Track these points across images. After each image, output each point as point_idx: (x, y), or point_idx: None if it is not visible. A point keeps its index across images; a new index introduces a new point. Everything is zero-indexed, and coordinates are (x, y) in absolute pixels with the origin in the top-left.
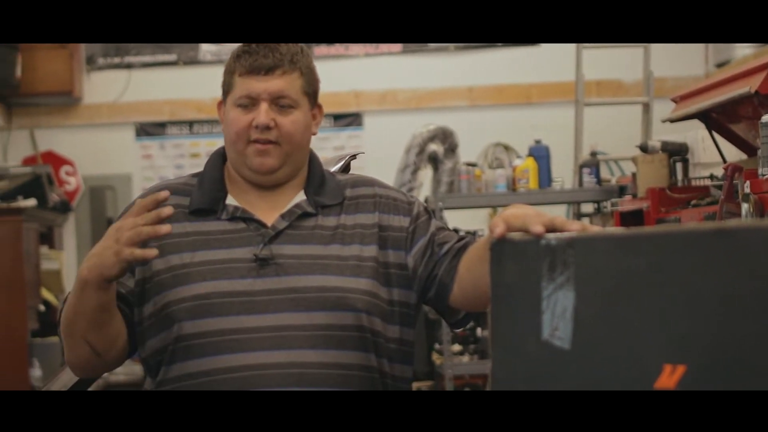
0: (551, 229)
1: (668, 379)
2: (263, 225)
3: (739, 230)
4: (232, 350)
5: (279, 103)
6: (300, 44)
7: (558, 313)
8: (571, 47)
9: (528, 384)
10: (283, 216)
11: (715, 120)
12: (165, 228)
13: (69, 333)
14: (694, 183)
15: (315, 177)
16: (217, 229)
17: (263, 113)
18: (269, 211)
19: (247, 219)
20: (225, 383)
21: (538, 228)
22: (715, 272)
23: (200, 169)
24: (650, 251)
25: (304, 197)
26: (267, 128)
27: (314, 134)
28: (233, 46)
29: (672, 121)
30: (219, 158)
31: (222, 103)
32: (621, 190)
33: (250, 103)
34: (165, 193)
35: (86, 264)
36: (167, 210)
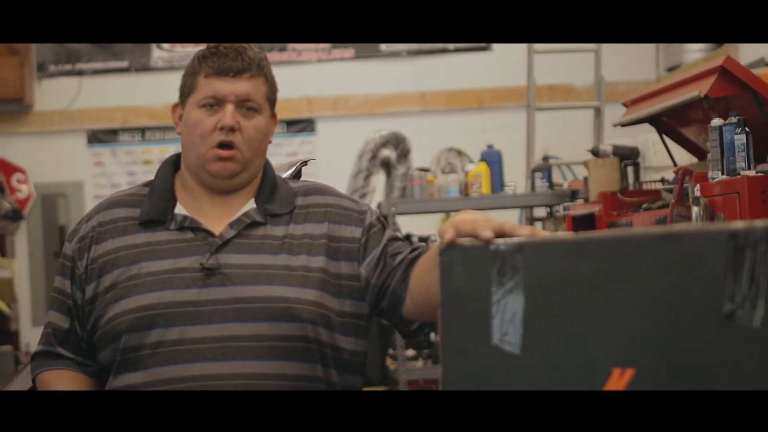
0: (501, 234)
1: (617, 382)
2: (211, 234)
3: (686, 235)
4: (176, 361)
5: (244, 105)
6: (262, 51)
7: (507, 318)
8: (522, 52)
9: (478, 388)
10: (231, 225)
11: (666, 124)
12: None
13: None
14: (645, 187)
15: (267, 184)
16: (165, 239)
17: (229, 114)
18: (219, 218)
19: (195, 228)
20: None
21: (487, 233)
22: (664, 276)
23: (152, 176)
24: (599, 256)
25: (254, 205)
26: (231, 130)
27: (270, 143)
28: (185, 53)
29: (623, 125)
30: (169, 166)
31: (178, 106)
32: (573, 195)
33: (216, 103)
34: None
35: None
36: None
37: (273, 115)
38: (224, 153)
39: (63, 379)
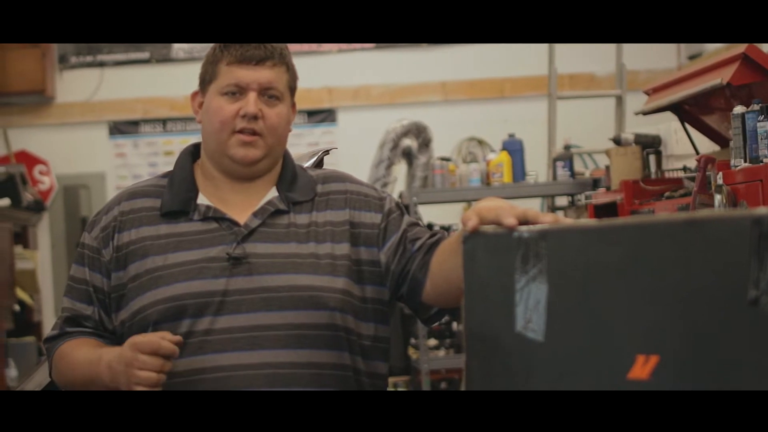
0: (524, 221)
1: (641, 369)
2: (236, 223)
3: (709, 220)
4: (205, 351)
5: (267, 94)
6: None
7: (531, 305)
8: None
9: (502, 376)
10: (255, 214)
11: (688, 112)
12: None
13: (71, 386)
14: (667, 175)
15: (287, 173)
16: (190, 230)
17: (252, 103)
18: (242, 207)
19: (220, 218)
20: (198, 385)
21: (510, 220)
22: (687, 262)
23: (171, 168)
24: (622, 242)
25: (276, 194)
26: (254, 118)
27: (290, 131)
28: (206, 44)
29: (645, 113)
30: (188, 157)
31: (198, 93)
32: (595, 183)
33: (238, 91)
34: (178, 338)
35: (108, 376)
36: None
37: (293, 104)
38: (247, 138)
39: (82, 344)
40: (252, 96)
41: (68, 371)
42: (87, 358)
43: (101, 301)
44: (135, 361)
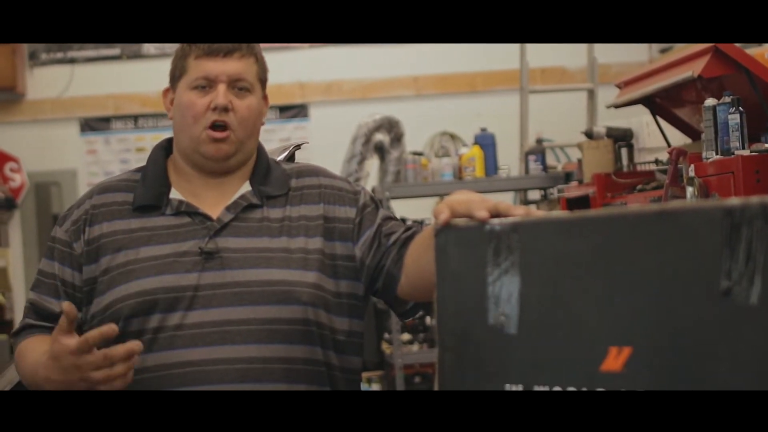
0: (495, 214)
1: (614, 361)
2: (208, 218)
3: (681, 211)
4: (175, 346)
5: (236, 85)
6: None
7: (504, 298)
8: None
9: (475, 369)
10: (228, 208)
11: (659, 105)
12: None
13: (35, 384)
14: (639, 168)
15: (261, 167)
16: (162, 224)
17: (222, 94)
18: (215, 202)
19: (192, 213)
20: (168, 380)
21: (482, 213)
22: (659, 253)
23: (144, 163)
24: (594, 234)
25: (250, 188)
26: (225, 110)
27: (263, 124)
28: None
29: (616, 106)
30: (161, 151)
31: (169, 90)
32: (567, 177)
33: (208, 84)
34: (138, 347)
35: (48, 385)
36: (138, 349)
37: (264, 96)
38: (218, 134)
39: (38, 344)
40: (221, 88)
41: (23, 371)
42: (34, 360)
43: (70, 295)
44: (84, 365)
